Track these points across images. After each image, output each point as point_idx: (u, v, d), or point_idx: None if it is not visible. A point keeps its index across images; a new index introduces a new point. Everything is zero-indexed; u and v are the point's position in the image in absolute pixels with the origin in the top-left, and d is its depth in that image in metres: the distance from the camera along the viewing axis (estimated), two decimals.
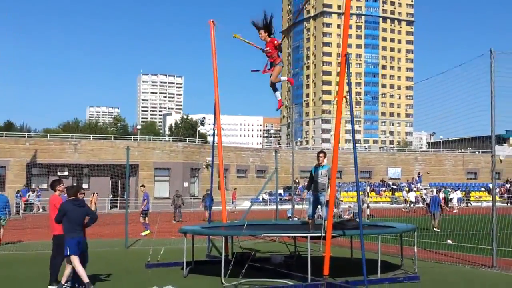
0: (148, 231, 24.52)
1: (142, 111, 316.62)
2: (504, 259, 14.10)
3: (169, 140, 62.97)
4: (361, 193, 29.50)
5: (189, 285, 12.01)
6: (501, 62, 15.12)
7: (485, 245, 17.84)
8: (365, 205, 31.51)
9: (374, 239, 12.99)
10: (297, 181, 52.46)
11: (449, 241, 19.14)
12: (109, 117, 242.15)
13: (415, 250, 12.63)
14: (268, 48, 12.19)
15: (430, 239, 19.83)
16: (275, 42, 12.17)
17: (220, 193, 17.91)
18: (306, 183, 12.89)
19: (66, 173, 46.79)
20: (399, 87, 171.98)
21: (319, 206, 13.07)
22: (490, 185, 61.85)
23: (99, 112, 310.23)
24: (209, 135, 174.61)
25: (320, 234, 11.42)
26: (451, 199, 47.70)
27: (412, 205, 47.21)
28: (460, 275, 12.60)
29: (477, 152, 72.58)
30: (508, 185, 61.50)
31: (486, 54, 14.03)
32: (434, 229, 24.46)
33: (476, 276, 12.52)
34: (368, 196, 42.64)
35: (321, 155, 12.99)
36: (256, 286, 11.08)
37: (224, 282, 11.31)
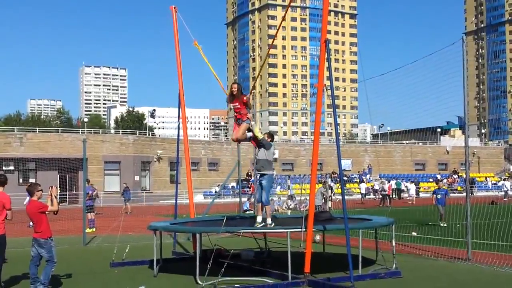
0: (94, 228, 23.56)
1: (86, 103, 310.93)
2: (477, 251, 13.99)
3: (118, 133, 61.67)
4: (320, 185, 29.36)
5: (162, 286, 11.44)
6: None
7: (449, 237, 17.91)
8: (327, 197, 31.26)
9: (352, 233, 12.64)
10: (249, 173, 52.11)
11: (414, 233, 19.05)
12: (51, 110, 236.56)
13: (393, 244, 12.39)
14: (236, 104, 12.02)
15: (397, 231, 19.72)
16: (244, 99, 12.04)
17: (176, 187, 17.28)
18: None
19: (11, 168, 45.25)
20: (343, 80, 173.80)
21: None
22: (438, 176, 63.31)
23: (41, 105, 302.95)
24: (158, 128, 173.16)
25: (300, 230, 10.99)
26: (404, 190, 48.30)
27: (363, 196, 47.49)
28: (439, 270, 12.40)
29: (425, 143, 73.95)
30: (455, 176, 62.67)
31: (458, 43, 13.86)
32: (441, 223, 22.79)
33: (455, 270, 12.34)
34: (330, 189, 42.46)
35: (266, 135, 12.38)
36: (236, 285, 10.58)
37: (199, 281, 10.78)
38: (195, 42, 15.23)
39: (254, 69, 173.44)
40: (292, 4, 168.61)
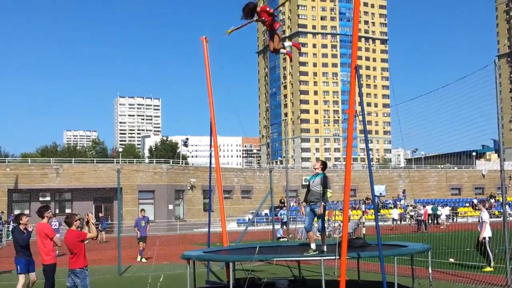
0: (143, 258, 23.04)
1: (120, 133, 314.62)
2: None
3: (152, 162, 62.16)
4: (359, 212, 29.10)
5: None
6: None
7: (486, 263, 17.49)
8: (360, 224, 30.96)
9: (387, 260, 12.47)
10: (282, 200, 51.95)
11: (451, 260, 18.70)
12: (86, 141, 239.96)
13: (430, 271, 12.19)
14: (263, 18, 12.24)
15: (433, 258, 19.38)
16: (267, 9, 12.31)
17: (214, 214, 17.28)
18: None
19: (48, 198, 45.83)
20: (375, 105, 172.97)
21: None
22: (474, 200, 62.18)
23: (77, 136, 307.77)
24: (191, 156, 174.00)
25: (335, 258, 10.89)
26: (439, 215, 47.51)
27: (396, 222, 46.72)
28: None
29: (460, 167, 72.91)
30: (492, 200, 61.58)
31: (491, 65, 13.76)
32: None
33: None
34: (364, 215, 42.03)
35: (317, 162, 12.44)
36: None
37: None
38: (228, 31, 14.74)
39: (285, 96, 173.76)
40: (322, 31, 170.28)
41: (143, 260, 22.79)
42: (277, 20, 12.34)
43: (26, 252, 11.74)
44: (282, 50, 12.62)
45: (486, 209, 59.45)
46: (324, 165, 12.26)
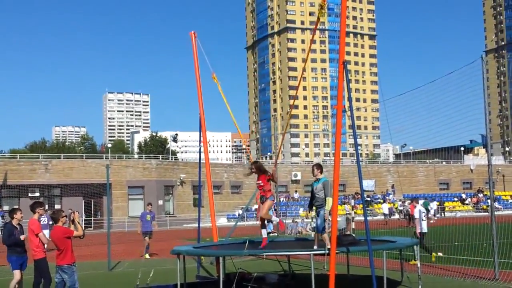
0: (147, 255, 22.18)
1: (109, 129, 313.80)
2: (504, 271, 13.80)
3: (141, 158, 62.08)
4: (348, 206, 29.28)
5: None
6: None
7: (475, 257, 17.65)
8: (350, 219, 31.11)
9: (376, 254, 12.56)
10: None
11: (440, 254, 18.83)
12: (75, 137, 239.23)
13: (419, 265, 12.28)
14: (259, 182, 12.03)
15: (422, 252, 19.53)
16: (267, 175, 12.05)
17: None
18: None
19: (37, 194, 45.67)
20: (364, 100, 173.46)
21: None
22: (463, 195, 62.52)
23: (65, 131, 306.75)
24: (181, 152, 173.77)
25: (324, 252, 10.97)
26: (429, 210, 47.72)
27: (386, 217, 46.95)
28: None
29: (449, 162, 73.29)
30: (480, 195, 62.00)
31: (478, 61, 13.85)
32: None
33: None
34: (353, 209, 42.27)
35: (314, 168, 12.42)
36: None
37: None
38: (213, 76, 15.30)
39: (274, 91, 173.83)
40: (311, 27, 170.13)
41: (147, 256, 21.88)
42: (271, 189, 12.17)
43: (17, 249, 11.69)
44: (267, 222, 12.54)
45: (475, 203, 60.03)
46: (321, 168, 12.27)
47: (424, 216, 19.51)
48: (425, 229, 18.95)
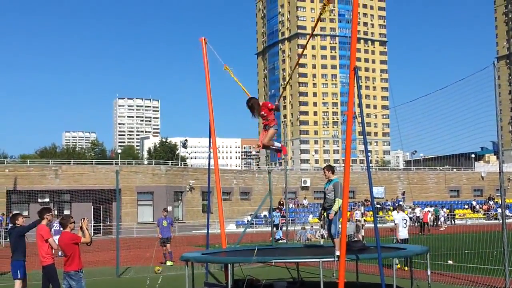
0: (172, 262, 21.35)
1: (119, 135, 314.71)
2: None
3: (151, 164, 62.15)
4: (360, 213, 29.09)
5: None
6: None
7: (486, 265, 17.48)
8: (359, 226, 31.01)
9: (387, 262, 12.46)
10: (281, 202, 51.93)
11: (450, 262, 18.68)
12: (85, 142, 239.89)
13: (429, 273, 12.17)
14: (263, 112, 12.09)
15: (432, 260, 19.38)
16: (269, 105, 12.15)
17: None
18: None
19: (47, 200, 45.77)
20: (375, 107, 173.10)
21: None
22: (473, 202, 62.14)
23: (76, 137, 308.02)
24: (190, 158, 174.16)
25: (333, 260, 10.88)
26: (439, 218, 47.58)
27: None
28: None
29: (459, 169, 72.89)
30: (491, 202, 61.59)
31: (489, 67, 13.76)
32: None
33: None
34: (363, 217, 42.13)
35: (325, 169, 12.38)
36: None
37: None
38: (225, 66, 15.24)
39: (285, 98, 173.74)
40: (321, 32, 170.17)
41: (169, 263, 21.17)
42: (275, 118, 12.19)
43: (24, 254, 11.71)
44: (271, 147, 12.53)
45: (486, 211, 59.57)
46: (332, 169, 12.22)
47: (405, 223, 19.71)
48: (406, 236, 19.35)
